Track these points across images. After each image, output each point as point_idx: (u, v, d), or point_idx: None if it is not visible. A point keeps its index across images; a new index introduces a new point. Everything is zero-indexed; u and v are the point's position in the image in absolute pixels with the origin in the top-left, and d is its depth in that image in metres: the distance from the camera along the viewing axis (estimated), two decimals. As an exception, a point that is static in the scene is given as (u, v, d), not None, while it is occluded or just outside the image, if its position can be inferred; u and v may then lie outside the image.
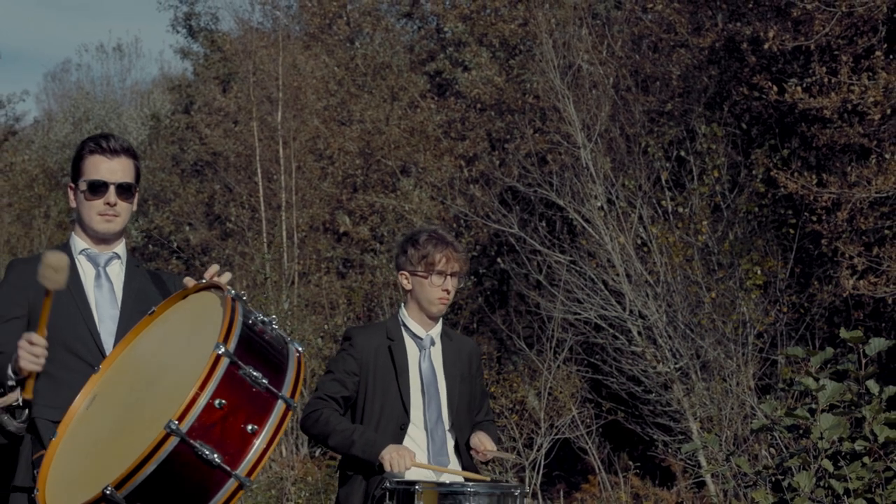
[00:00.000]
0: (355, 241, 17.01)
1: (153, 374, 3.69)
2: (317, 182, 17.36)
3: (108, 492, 3.25)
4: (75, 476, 3.55)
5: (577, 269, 12.66)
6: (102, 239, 4.17)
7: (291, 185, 16.98)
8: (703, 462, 11.53)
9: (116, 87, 31.27)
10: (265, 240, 16.71)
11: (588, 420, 12.57)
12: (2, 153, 21.79)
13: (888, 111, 11.03)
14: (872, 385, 6.74)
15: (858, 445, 6.62)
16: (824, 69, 11.22)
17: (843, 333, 6.90)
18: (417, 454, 4.70)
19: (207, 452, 3.29)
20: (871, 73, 11.04)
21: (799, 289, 12.32)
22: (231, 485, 3.35)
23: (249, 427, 3.37)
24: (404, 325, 4.93)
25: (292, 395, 3.49)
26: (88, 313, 4.07)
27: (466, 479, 4.71)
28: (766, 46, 11.59)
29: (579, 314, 12.53)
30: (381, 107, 17.26)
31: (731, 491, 10.31)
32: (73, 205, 4.19)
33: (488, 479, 4.73)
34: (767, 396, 10.73)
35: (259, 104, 17.62)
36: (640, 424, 12.29)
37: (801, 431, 6.90)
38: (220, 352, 3.35)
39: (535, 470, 11.20)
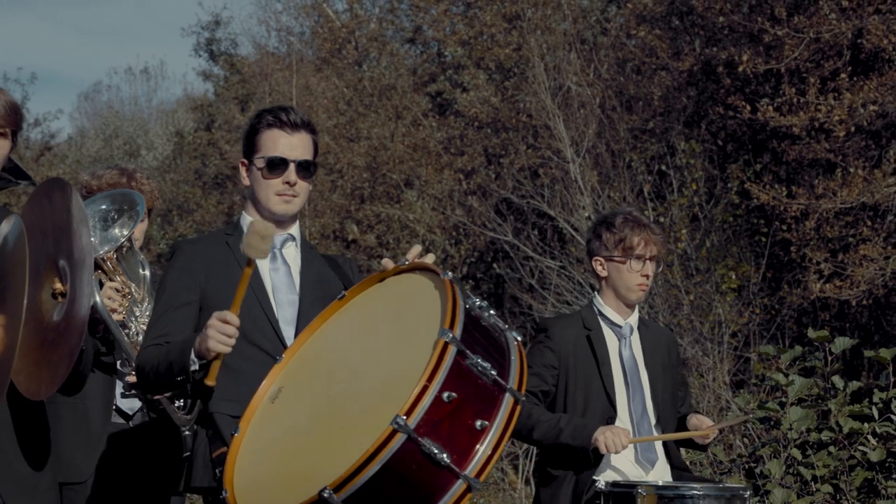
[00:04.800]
0: (363, 248, 17.00)
1: (357, 363, 3.09)
2: (327, 194, 17.36)
3: (325, 494, 2.68)
4: (273, 476, 2.98)
5: (567, 273, 12.66)
6: (278, 220, 3.49)
7: (304, 197, 16.97)
8: (682, 451, 11.52)
9: (143, 106, 31.24)
10: (280, 247, 16.70)
11: (577, 412, 12.56)
12: (38, 168, 21.75)
13: (852, 129, 11.04)
14: (838, 380, 6.75)
15: (825, 436, 6.63)
16: (793, 90, 11.23)
17: (811, 333, 6.92)
18: (623, 453, 4.05)
19: (436, 451, 2.70)
20: (836, 94, 11.06)
21: (770, 292, 12.31)
22: (459, 487, 2.75)
23: (478, 423, 2.78)
24: (601, 314, 4.25)
25: (519, 388, 2.89)
26: (266, 299, 3.43)
27: (694, 438, 4.18)
28: (740, 69, 11.61)
29: (569, 315, 12.53)
30: (387, 125, 17.27)
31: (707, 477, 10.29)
32: (246, 183, 3.55)
33: (727, 419, 4.02)
34: (741, 391, 10.72)
35: (274, 122, 17.61)
36: (625, 416, 12.28)
37: (772, 423, 6.91)
38: (447, 339, 2.75)
39: (528, 458, 11.19)
